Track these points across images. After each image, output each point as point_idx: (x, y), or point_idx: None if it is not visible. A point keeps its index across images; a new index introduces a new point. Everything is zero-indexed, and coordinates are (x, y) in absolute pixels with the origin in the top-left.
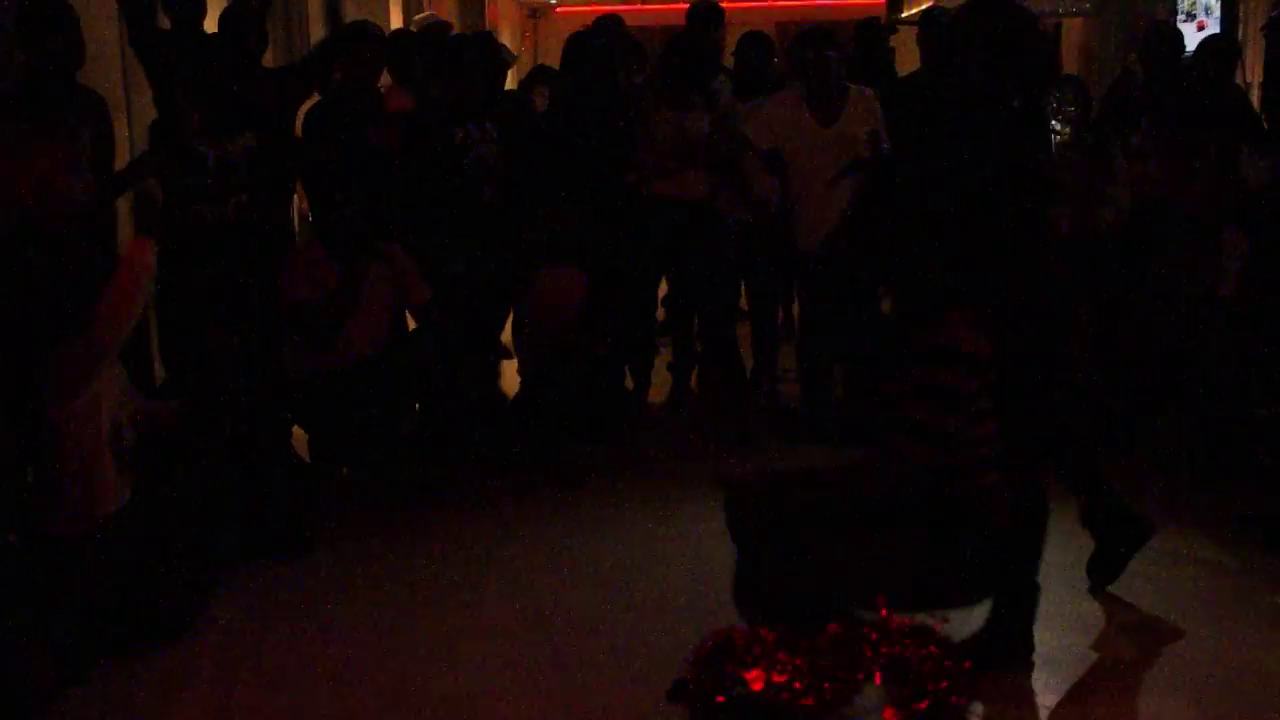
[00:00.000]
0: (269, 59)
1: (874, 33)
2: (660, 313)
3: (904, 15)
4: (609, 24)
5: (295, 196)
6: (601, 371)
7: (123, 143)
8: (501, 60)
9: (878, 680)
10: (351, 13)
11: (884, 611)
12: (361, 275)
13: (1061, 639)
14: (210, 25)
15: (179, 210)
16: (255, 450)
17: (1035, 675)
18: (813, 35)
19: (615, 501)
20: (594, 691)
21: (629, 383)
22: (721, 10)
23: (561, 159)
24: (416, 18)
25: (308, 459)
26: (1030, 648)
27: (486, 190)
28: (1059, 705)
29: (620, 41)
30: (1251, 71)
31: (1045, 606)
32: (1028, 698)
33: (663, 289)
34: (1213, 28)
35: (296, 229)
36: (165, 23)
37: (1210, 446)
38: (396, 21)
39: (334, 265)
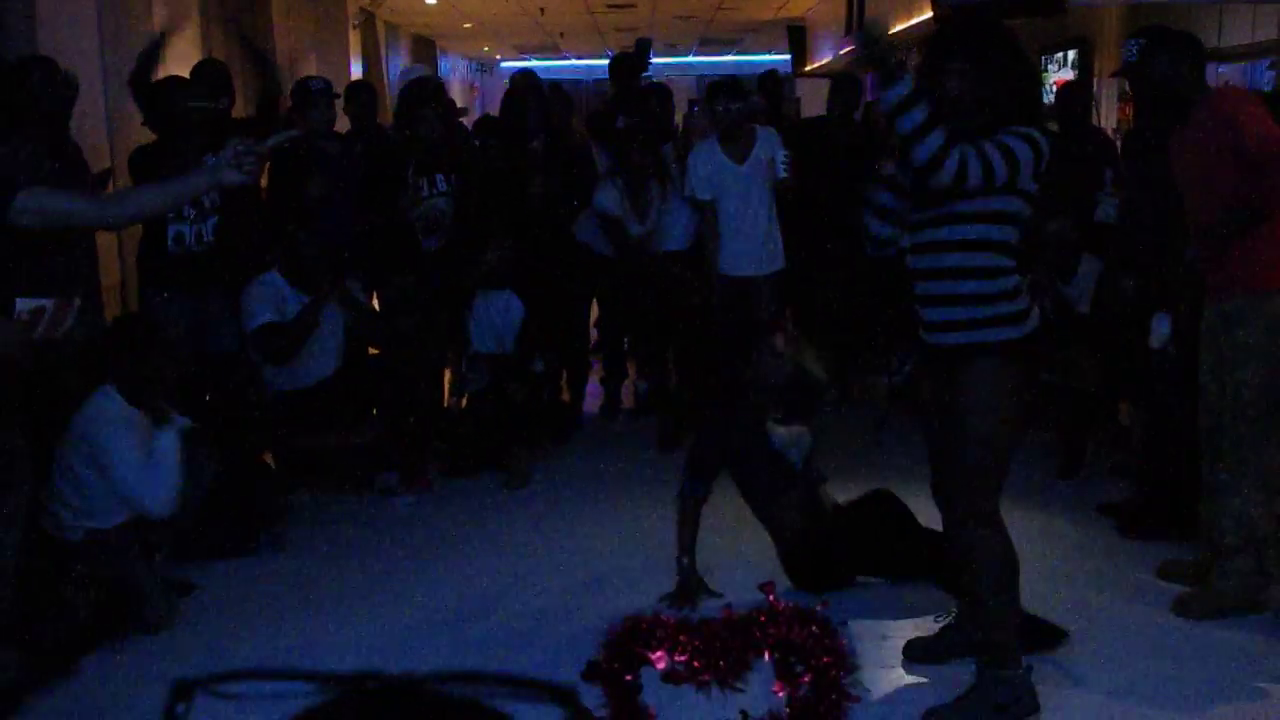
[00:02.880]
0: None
1: (775, 82)
2: (593, 334)
3: (808, 68)
4: (530, 80)
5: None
6: (541, 386)
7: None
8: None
9: (767, 658)
10: (315, 66)
11: (771, 597)
12: (322, 300)
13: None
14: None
15: (162, 235)
16: (230, 461)
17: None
18: (718, 88)
19: (554, 501)
20: (523, 671)
21: (565, 396)
22: (669, 91)
23: (503, 198)
24: (403, 69)
25: (276, 468)
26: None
27: (433, 241)
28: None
29: (544, 94)
30: (1106, 117)
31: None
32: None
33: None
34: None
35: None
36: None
37: (1070, 443)
38: (357, 74)
39: (296, 292)
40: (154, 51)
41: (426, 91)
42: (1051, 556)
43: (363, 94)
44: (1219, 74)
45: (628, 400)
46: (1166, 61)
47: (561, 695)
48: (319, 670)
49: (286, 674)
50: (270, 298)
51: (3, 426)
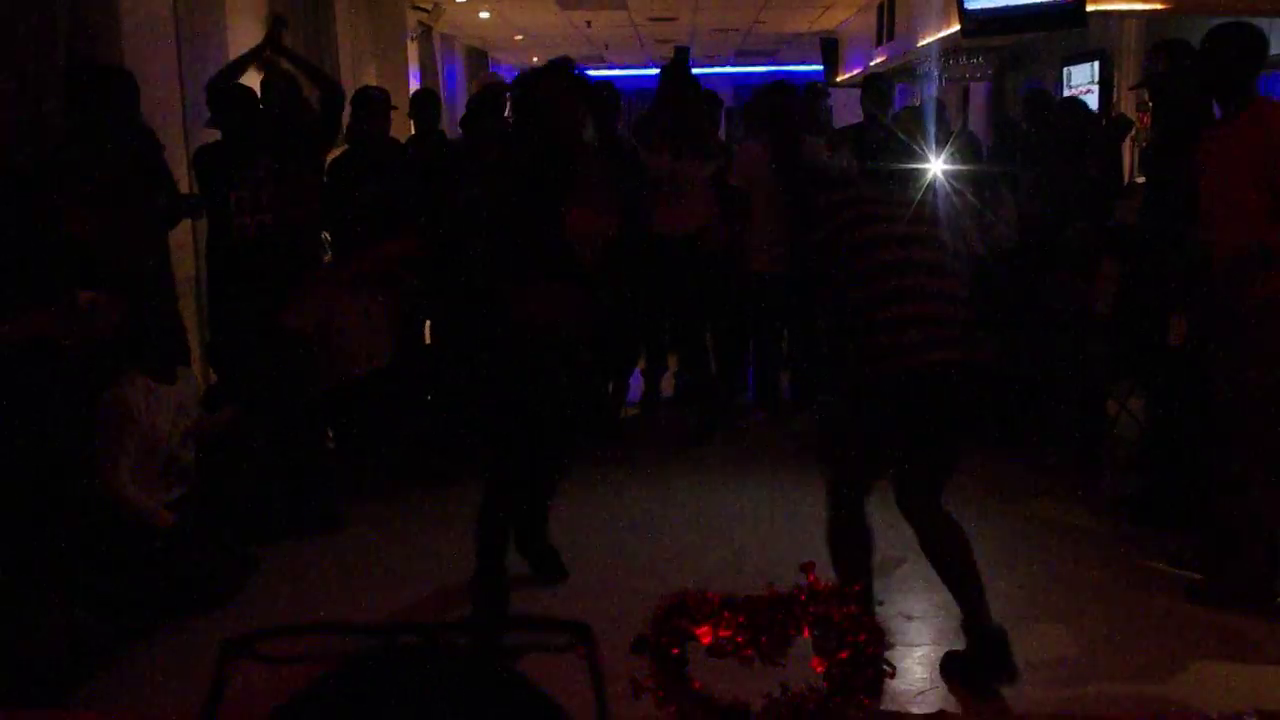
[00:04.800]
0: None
1: (814, 94)
2: None
3: (839, 80)
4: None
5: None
6: (587, 376)
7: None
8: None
9: (806, 634)
10: (376, 76)
11: (811, 577)
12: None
13: None
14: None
15: (225, 228)
16: (293, 445)
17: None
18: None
19: (597, 484)
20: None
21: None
22: (719, 99)
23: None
24: (481, 75)
25: (337, 451)
26: None
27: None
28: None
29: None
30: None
31: None
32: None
33: None
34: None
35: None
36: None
37: (1086, 438)
38: (415, 83)
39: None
40: (245, 61)
41: (486, 101)
42: (1068, 546)
43: (426, 100)
44: None
45: (667, 390)
46: (1235, 52)
47: (579, 630)
48: (355, 623)
49: (324, 626)
50: (297, 306)
51: (62, 413)
